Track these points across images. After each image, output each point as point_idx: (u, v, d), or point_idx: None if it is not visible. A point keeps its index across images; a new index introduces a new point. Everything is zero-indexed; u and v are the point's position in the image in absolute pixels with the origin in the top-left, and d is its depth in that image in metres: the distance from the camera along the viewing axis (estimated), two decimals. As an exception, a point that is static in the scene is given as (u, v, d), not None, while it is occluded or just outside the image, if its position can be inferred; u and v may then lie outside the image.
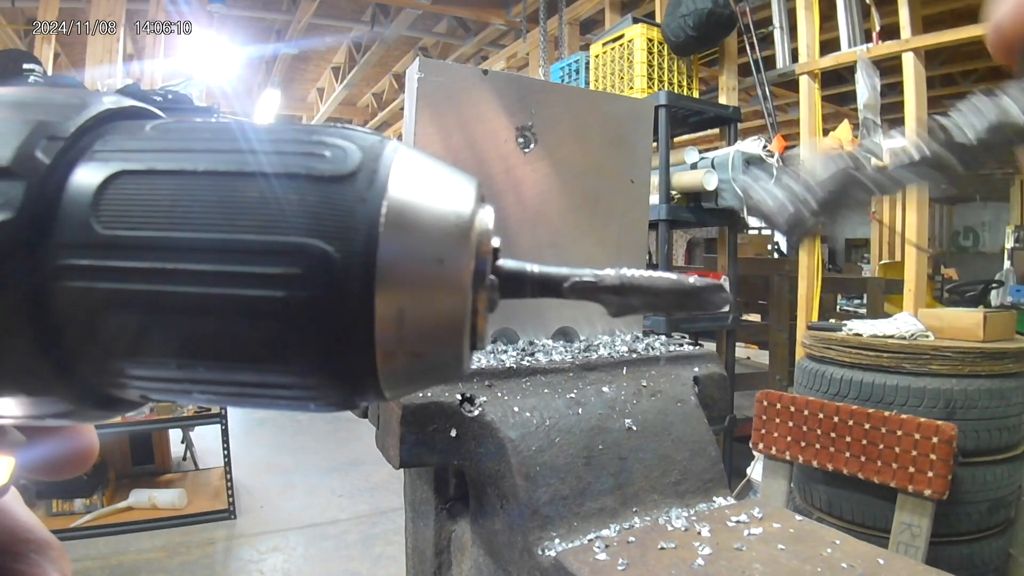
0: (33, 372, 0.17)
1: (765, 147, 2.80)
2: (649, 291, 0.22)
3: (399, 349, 0.18)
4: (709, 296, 0.22)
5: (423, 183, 0.18)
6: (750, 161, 2.73)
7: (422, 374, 0.19)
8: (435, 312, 0.18)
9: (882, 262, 5.99)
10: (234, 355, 0.17)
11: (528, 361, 0.99)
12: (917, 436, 1.46)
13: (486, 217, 0.20)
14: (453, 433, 0.89)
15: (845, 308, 5.22)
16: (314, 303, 0.17)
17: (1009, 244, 7.60)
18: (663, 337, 1.24)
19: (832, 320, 2.59)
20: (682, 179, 2.87)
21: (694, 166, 2.88)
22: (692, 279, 0.22)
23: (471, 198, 0.19)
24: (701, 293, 0.22)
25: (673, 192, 2.91)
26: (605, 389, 1.00)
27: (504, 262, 0.21)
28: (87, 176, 0.18)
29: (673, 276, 0.22)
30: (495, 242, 0.20)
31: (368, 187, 0.17)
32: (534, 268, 0.22)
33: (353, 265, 0.17)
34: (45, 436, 0.23)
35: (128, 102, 0.20)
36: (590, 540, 0.85)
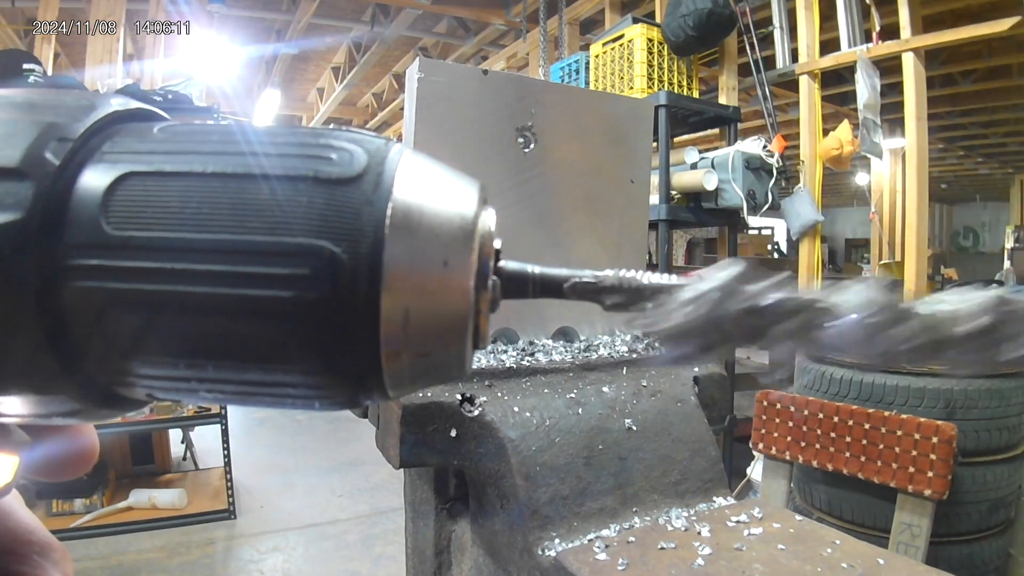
0: (41, 370, 0.18)
1: (765, 147, 2.81)
2: (648, 292, 0.22)
3: (404, 349, 0.18)
4: None
5: (428, 186, 0.19)
6: (750, 162, 2.74)
7: (426, 373, 0.19)
8: (439, 312, 0.18)
9: (882, 262, 5.99)
10: (242, 354, 0.17)
11: (528, 361, 1.00)
12: (917, 436, 1.46)
13: (489, 219, 0.20)
14: (453, 433, 0.89)
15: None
16: (321, 303, 0.17)
17: (1009, 244, 7.61)
18: (663, 337, 1.24)
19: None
20: (682, 179, 2.87)
21: (694, 166, 2.89)
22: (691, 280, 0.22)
23: (475, 200, 0.19)
24: None
25: (673, 192, 2.91)
26: (605, 389, 1.00)
27: (506, 263, 0.21)
28: (96, 177, 0.18)
29: (672, 278, 0.22)
30: (497, 244, 0.21)
31: (374, 190, 0.18)
32: (535, 269, 0.22)
33: (360, 266, 0.17)
34: (47, 436, 0.23)
35: (135, 104, 0.20)
36: (590, 540, 0.85)
